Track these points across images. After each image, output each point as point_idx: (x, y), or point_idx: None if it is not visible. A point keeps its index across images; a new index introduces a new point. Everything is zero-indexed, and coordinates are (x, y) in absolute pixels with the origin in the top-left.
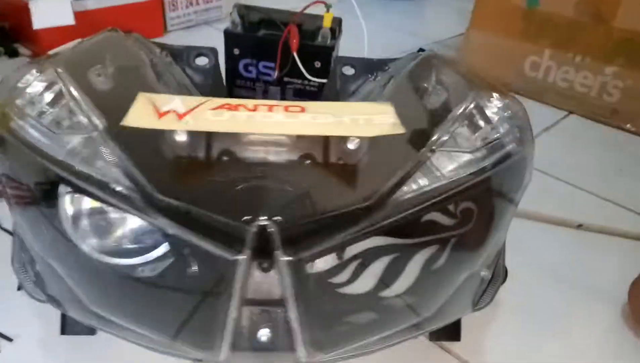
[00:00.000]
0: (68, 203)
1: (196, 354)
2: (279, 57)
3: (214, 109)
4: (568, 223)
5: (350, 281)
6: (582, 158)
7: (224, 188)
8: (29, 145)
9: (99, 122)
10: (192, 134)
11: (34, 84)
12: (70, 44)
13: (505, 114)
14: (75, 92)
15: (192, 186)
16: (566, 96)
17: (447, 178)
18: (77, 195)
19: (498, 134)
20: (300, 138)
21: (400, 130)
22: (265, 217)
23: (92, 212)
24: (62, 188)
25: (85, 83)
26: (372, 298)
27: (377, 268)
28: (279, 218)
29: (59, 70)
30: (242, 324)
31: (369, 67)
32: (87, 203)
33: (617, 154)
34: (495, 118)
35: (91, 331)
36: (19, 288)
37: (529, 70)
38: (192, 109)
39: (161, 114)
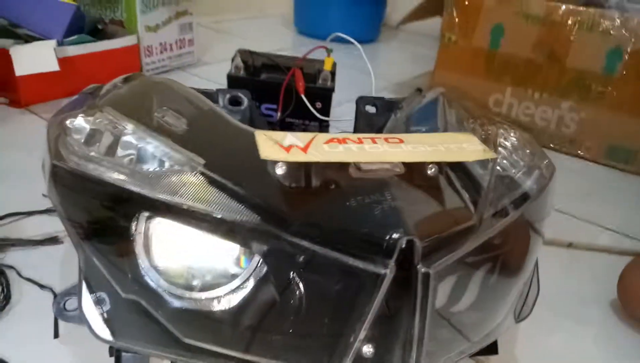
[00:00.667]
0: (170, 243)
1: None
2: (281, 99)
3: (327, 143)
4: (559, 242)
5: (459, 292)
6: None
7: (354, 209)
8: (117, 187)
9: (195, 160)
10: (291, 166)
11: (93, 129)
12: (77, 96)
13: (525, 142)
14: (146, 134)
15: (320, 211)
16: (528, 129)
17: (510, 196)
18: (176, 233)
19: (527, 158)
20: (394, 164)
21: (493, 155)
22: (400, 233)
23: (192, 247)
24: (161, 228)
25: (154, 125)
26: (467, 309)
27: (474, 279)
28: (417, 233)
29: (110, 116)
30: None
31: (388, 106)
32: (192, 240)
33: (581, 179)
34: (518, 147)
35: None
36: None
37: (493, 106)
38: (309, 144)
39: (287, 149)
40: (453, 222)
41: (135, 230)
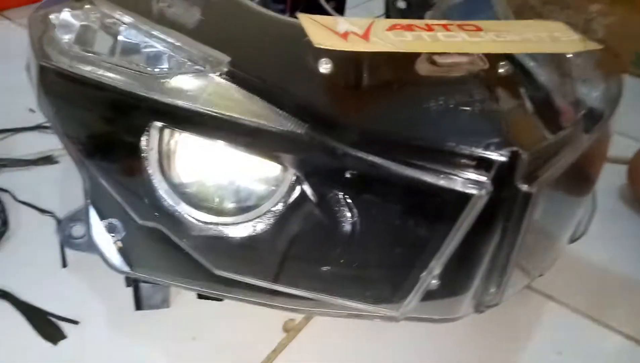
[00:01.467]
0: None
1: (366, 308)
2: None
3: (389, 29)
4: None
5: (545, 213)
6: None
7: (434, 114)
8: (122, 92)
9: (217, 57)
10: (339, 62)
11: (83, 25)
12: None
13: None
14: (151, 27)
15: (387, 116)
16: None
17: (593, 103)
18: (197, 148)
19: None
20: (475, 57)
21: (595, 45)
22: (500, 143)
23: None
24: (179, 142)
25: (158, 17)
26: (557, 224)
27: (560, 197)
28: (519, 144)
29: (103, 8)
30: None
31: (420, 2)
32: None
33: None
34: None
35: (166, 303)
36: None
37: None
38: (368, 30)
39: (343, 36)
40: (551, 130)
41: (148, 145)
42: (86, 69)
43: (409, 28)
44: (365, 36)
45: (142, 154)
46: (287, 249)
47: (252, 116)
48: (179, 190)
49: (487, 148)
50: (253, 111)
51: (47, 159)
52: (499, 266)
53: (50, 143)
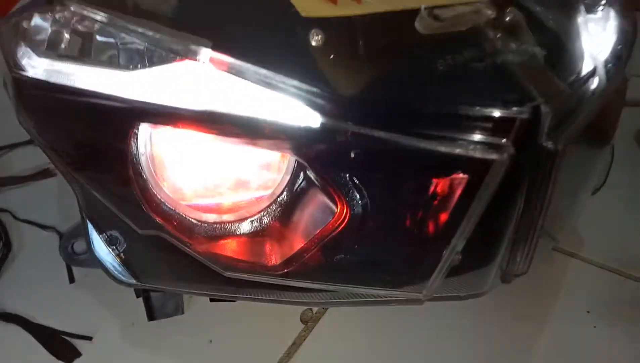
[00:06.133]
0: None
1: (388, 294)
2: None
3: None
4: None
5: (578, 162)
6: None
7: (441, 75)
8: (101, 95)
9: (199, 43)
10: (329, 32)
11: (55, 29)
12: None
13: None
14: (126, 22)
15: (389, 84)
16: None
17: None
18: (191, 147)
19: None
20: (480, 6)
21: None
22: (516, 97)
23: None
24: (171, 143)
25: (132, 9)
26: (581, 180)
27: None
28: (540, 98)
29: (74, 8)
30: None
31: None
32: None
33: None
34: None
35: (179, 310)
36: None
37: None
38: None
39: (333, 0)
40: (569, 80)
41: (138, 149)
42: (62, 76)
43: None
44: None
45: (134, 160)
46: (296, 240)
47: (242, 105)
48: (176, 193)
49: (505, 106)
50: (242, 99)
51: (43, 173)
52: (526, 233)
53: (44, 156)
